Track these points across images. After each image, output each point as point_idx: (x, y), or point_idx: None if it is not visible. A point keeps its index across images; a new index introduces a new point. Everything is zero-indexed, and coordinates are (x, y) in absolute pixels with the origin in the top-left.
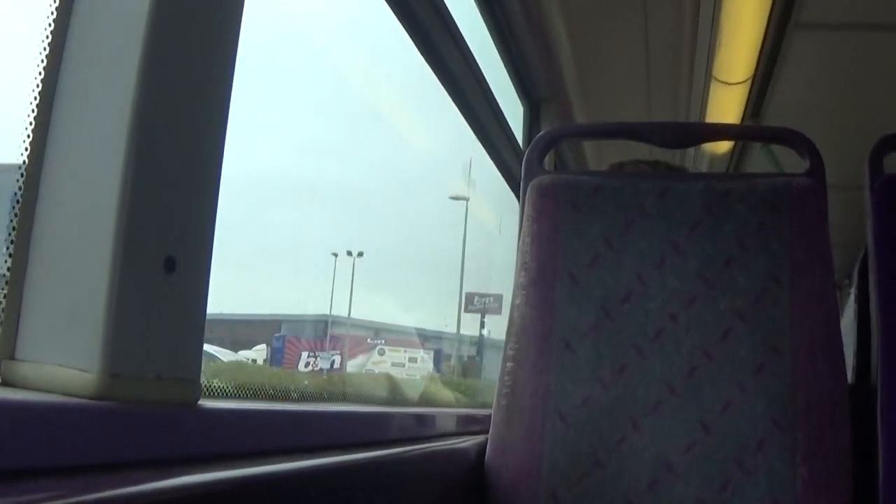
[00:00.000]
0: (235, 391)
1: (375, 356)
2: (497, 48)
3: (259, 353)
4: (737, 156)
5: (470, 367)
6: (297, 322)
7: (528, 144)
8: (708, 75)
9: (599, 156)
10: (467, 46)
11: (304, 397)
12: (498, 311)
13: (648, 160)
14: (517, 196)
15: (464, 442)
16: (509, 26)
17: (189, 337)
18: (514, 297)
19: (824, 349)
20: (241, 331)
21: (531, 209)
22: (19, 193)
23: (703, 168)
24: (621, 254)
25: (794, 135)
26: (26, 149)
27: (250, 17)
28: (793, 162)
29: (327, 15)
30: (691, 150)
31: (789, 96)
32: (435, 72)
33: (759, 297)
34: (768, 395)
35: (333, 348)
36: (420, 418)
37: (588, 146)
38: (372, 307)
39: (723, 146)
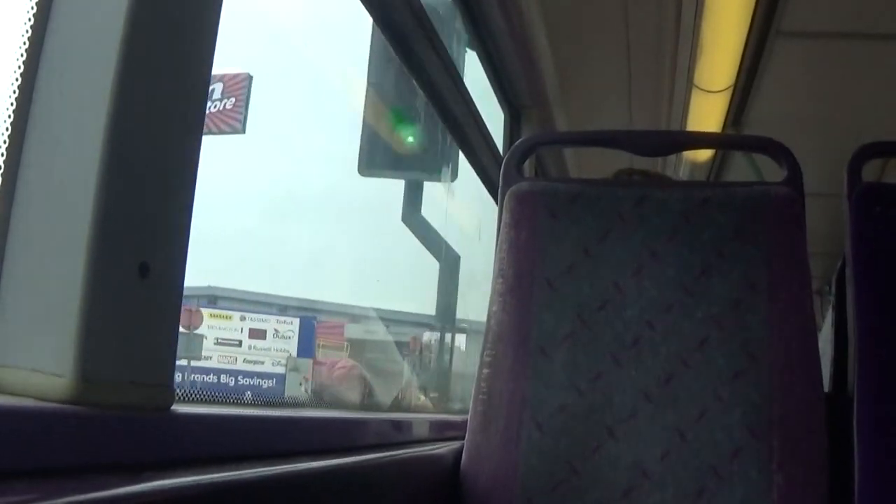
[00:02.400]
0: None
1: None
2: (479, 55)
3: None
4: (717, 164)
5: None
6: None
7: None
8: (689, 84)
9: (580, 164)
10: (448, 54)
11: None
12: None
13: (650, 171)
14: (497, 203)
15: (440, 448)
16: (491, 34)
17: (162, 342)
18: (491, 303)
19: (801, 358)
20: None
21: (509, 216)
22: None
23: (685, 176)
24: (599, 261)
25: (773, 144)
26: (2, 154)
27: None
28: (775, 170)
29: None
30: (672, 158)
31: (770, 105)
32: (416, 79)
33: (736, 306)
34: (744, 403)
35: None
36: (396, 424)
37: (569, 154)
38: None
39: (704, 154)
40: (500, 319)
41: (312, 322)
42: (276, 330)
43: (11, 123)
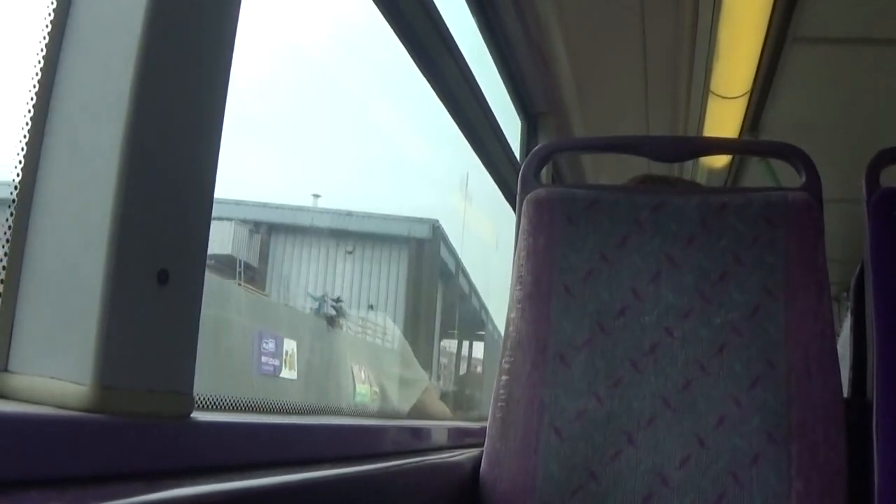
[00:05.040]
0: None
1: None
2: (495, 63)
3: None
4: (735, 170)
5: None
6: None
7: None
8: (706, 89)
9: (597, 170)
10: (465, 61)
11: None
12: None
13: (668, 176)
14: (514, 210)
15: (459, 455)
16: (507, 41)
17: (182, 350)
18: (510, 310)
19: (819, 363)
20: None
21: (527, 223)
22: (13, 206)
23: (702, 182)
24: (617, 267)
25: (790, 149)
26: (20, 161)
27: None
28: (792, 176)
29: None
30: (689, 164)
31: (787, 110)
32: (432, 86)
33: (754, 312)
34: (763, 409)
35: None
36: (415, 431)
37: (586, 160)
38: None
39: (721, 160)
40: (519, 326)
41: None
42: None
43: (29, 130)
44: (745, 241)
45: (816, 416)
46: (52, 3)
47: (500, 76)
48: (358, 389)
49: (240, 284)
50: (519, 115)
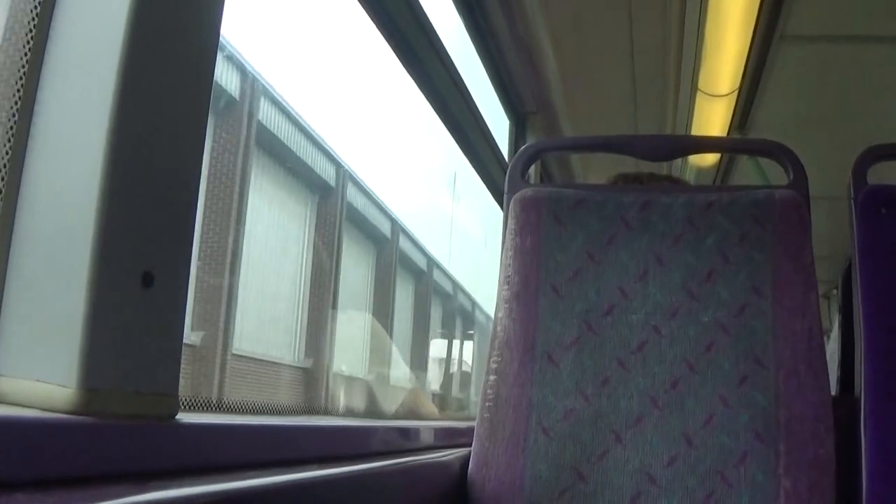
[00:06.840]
0: None
1: None
2: (482, 62)
3: None
4: (723, 168)
5: None
6: None
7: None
8: (693, 88)
9: (586, 169)
10: (452, 61)
11: None
12: None
13: (642, 172)
14: (502, 209)
15: (447, 455)
16: (495, 40)
17: (167, 351)
18: (497, 310)
19: (807, 361)
20: None
21: (514, 222)
22: None
23: (690, 181)
24: (604, 266)
25: (778, 147)
26: (4, 164)
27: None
28: (780, 174)
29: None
30: (678, 163)
31: (775, 108)
32: (419, 86)
33: (742, 310)
34: (751, 407)
35: None
36: (403, 431)
37: (575, 160)
38: None
39: (709, 159)
40: (506, 326)
41: None
42: None
43: (14, 133)
44: (733, 239)
45: (805, 414)
46: (37, 3)
47: (488, 76)
48: None
49: None
50: (507, 114)
